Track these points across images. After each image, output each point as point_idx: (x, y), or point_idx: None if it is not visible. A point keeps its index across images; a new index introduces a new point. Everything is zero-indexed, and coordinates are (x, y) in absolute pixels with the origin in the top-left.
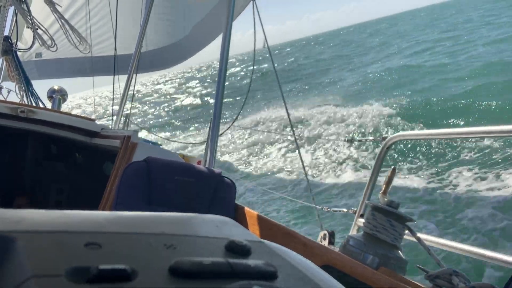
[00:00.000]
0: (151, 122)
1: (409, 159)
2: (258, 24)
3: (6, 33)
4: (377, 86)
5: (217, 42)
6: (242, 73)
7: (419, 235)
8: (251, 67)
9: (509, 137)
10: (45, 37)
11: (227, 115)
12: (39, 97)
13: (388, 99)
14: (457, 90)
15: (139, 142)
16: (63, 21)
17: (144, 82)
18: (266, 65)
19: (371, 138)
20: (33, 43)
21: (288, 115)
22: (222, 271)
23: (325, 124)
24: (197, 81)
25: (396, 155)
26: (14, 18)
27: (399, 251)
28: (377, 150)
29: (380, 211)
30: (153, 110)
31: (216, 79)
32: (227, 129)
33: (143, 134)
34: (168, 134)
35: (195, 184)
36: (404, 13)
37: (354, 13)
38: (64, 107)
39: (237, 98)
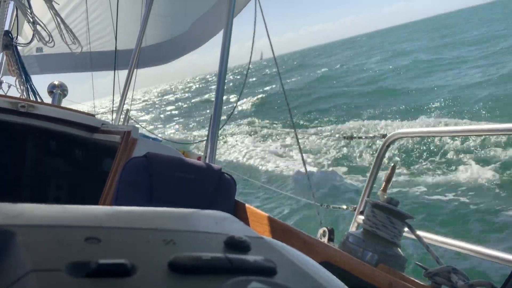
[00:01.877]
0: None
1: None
2: (258, 24)
3: (6, 27)
4: None
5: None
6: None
7: (418, 232)
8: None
9: (510, 135)
10: (44, 33)
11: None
12: (37, 93)
13: None
14: None
15: (139, 137)
16: (58, 18)
17: None
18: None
19: (371, 135)
20: (32, 38)
21: (289, 110)
22: (221, 266)
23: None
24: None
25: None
26: (15, 12)
27: (398, 248)
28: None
29: (379, 208)
30: None
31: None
32: (225, 124)
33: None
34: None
35: (195, 180)
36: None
37: (350, 27)
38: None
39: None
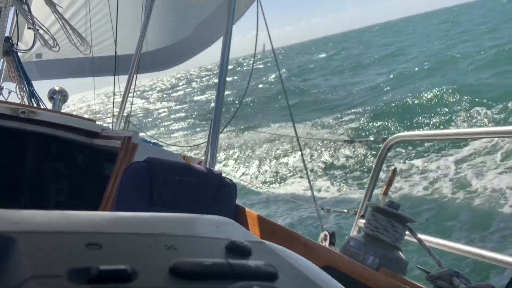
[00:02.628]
0: None
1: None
2: (260, 24)
3: (7, 33)
4: None
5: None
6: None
7: (419, 235)
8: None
9: (510, 137)
10: (46, 36)
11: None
12: (40, 98)
13: None
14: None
15: (139, 142)
16: (63, 21)
17: None
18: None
19: (371, 138)
20: (33, 43)
21: (291, 114)
22: (222, 271)
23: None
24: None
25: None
26: (15, 18)
27: (400, 252)
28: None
29: (380, 212)
30: None
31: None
32: (225, 127)
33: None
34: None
35: (196, 185)
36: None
37: (350, 20)
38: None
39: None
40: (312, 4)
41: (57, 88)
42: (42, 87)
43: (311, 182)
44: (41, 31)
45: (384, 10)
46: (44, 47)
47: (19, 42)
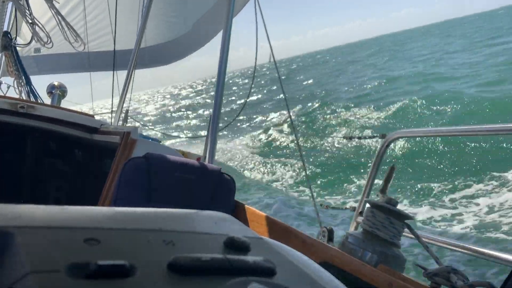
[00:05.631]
0: None
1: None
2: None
3: (5, 28)
4: None
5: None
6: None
7: (418, 232)
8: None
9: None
10: (41, 33)
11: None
12: (37, 94)
13: None
14: None
15: (138, 138)
16: (59, 17)
17: None
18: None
19: (370, 135)
20: (32, 38)
21: (288, 110)
22: (221, 267)
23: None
24: None
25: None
26: (14, 13)
27: (398, 249)
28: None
29: (379, 208)
30: None
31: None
32: (227, 126)
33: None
34: None
35: (195, 181)
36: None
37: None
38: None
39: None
40: (319, 15)
41: (56, 83)
42: (42, 82)
43: (309, 178)
44: (36, 28)
45: (391, 21)
46: (37, 43)
47: (17, 37)
